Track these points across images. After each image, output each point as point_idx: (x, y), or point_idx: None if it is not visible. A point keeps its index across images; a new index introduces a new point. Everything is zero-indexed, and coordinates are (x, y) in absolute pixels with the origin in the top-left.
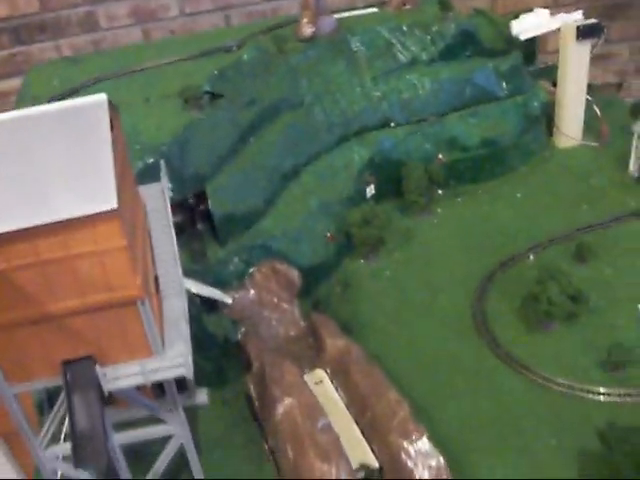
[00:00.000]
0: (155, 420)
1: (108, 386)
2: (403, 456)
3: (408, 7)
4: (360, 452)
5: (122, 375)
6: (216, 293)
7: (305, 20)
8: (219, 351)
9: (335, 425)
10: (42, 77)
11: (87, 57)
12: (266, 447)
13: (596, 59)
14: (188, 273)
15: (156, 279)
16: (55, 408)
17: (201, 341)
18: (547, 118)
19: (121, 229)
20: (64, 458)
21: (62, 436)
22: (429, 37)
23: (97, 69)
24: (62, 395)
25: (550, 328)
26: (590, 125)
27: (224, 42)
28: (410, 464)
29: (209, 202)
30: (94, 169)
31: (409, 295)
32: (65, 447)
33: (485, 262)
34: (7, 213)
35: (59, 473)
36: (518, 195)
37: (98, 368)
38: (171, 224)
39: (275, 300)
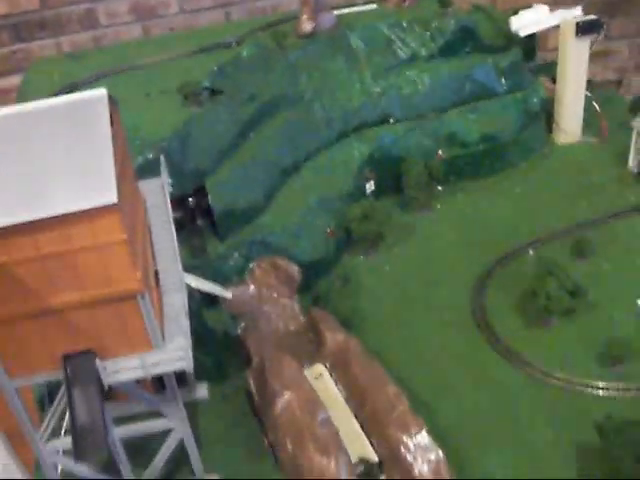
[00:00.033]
0: (155, 414)
1: (108, 380)
2: (402, 450)
3: (407, 3)
4: (359, 446)
5: (122, 369)
6: (216, 288)
7: (305, 16)
8: (219, 346)
9: (334, 419)
10: (42, 73)
11: (87, 53)
12: (266, 442)
13: (596, 56)
14: (188, 268)
15: (156, 274)
16: (55, 402)
17: (201, 336)
18: (547, 114)
19: (121, 223)
20: (64, 452)
21: (62, 431)
22: (429, 33)
23: (97, 65)
24: (62, 389)
25: (549, 323)
26: (589, 121)
27: (224, 38)
28: (409, 458)
29: (209, 197)
30: (94, 163)
31: (408, 290)
32: (66, 441)
33: (484, 258)
34: (8, 207)
35: (59, 467)
36: (517, 191)
37: (98, 362)
38: (171, 219)
39: (275, 295)
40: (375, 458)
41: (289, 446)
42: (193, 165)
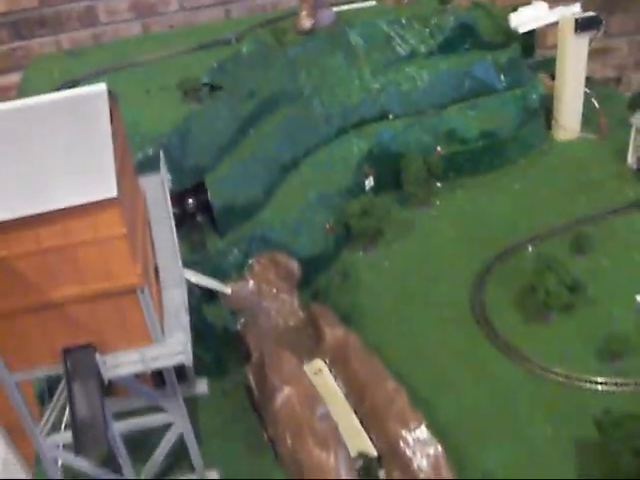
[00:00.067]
0: (155, 409)
1: (108, 374)
2: (401, 444)
3: (407, 0)
4: (358, 441)
5: (122, 363)
6: (215, 284)
7: (304, 13)
8: (218, 341)
9: (334, 414)
10: (42, 71)
11: (87, 50)
12: (265, 436)
13: (595, 53)
14: (188, 264)
15: (156, 269)
16: (55, 397)
17: (200, 332)
18: (546, 111)
19: (121, 217)
20: (65, 446)
21: (63, 425)
22: (428, 30)
23: (97, 62)
24: (62, 383)
25: (548, 318)
26: (589, 118)
27: (223, 35)
28: (408, 452)
29: (208, 193)
30: (94, 158)
31: (408, 286)
32: (66, 436)
33: (484, 254)
34: (8, 201)
35: (60, 461)
36: (517, 187)
37: (98, 356)
38: (171, 215)
39: (274, 291)
40: (374, 452)
41: (289, 440)
42: (193, 161)
